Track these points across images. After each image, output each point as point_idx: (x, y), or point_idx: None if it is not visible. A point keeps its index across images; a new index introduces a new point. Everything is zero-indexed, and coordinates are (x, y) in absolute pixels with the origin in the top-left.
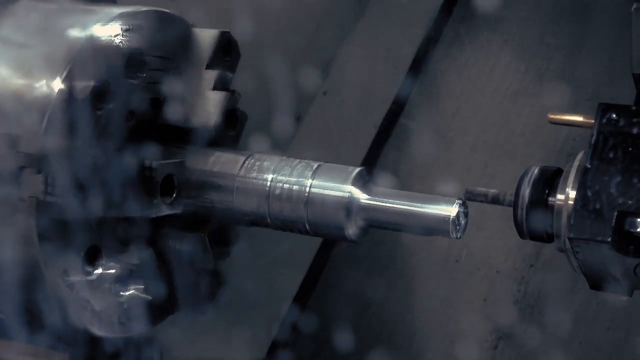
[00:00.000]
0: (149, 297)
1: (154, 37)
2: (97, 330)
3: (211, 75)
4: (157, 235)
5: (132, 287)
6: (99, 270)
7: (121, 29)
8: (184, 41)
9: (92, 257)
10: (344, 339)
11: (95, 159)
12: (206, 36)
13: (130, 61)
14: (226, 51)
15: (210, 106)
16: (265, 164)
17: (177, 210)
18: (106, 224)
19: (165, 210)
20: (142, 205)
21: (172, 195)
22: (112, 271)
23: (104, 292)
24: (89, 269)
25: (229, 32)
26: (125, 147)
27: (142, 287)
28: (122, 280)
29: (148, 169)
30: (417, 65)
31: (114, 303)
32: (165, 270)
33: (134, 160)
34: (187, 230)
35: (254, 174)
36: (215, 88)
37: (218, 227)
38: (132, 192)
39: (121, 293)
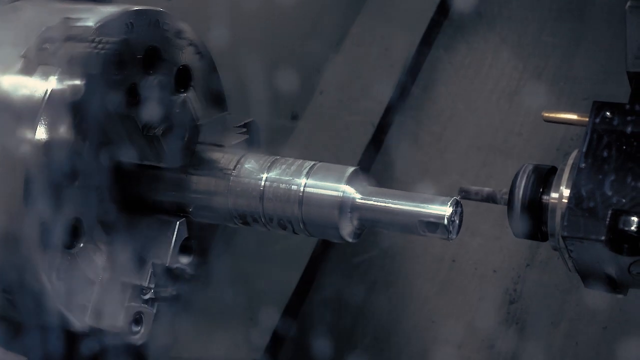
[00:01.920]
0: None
1: (149, 35)
2: (73, 319)
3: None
4: (137, 223)
5: (113, 274)
6: (79, 251)
7: (116, 28)
8: (180, 41)
9: (72, 242)
10: (341, 340)
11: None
12: (234, 121)
13: (122, 59)
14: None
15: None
16: (259, 163)
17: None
18: (88, 203)
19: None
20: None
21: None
22: (93, 256)
23: (83, 277)
24: (69, 251)
25: (255, 123)
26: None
27: (125, 275)
28: (101, 268)
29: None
30: (414, 64)
31: (93, 291)
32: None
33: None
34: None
35: (248, 173)
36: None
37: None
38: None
39: (101, 281)
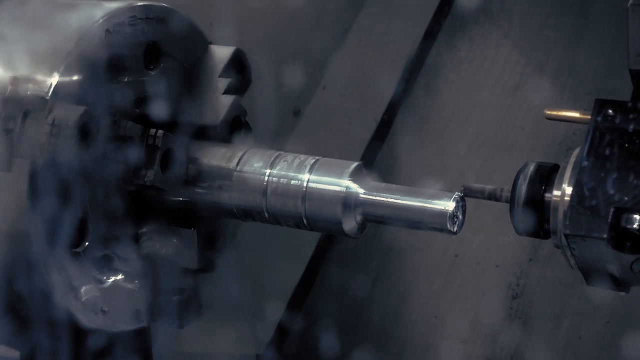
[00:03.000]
0: (133, 290)
1: (151, 30)
2: (82, 318)
3: (223, 83)
4: (145, 231)
5: (116, 278)
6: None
7: (119, 24)
8: (183, 37)
9: (79, 239)
10: (345, 334)
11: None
12: (221, 52)
13: (126, 56)
14: (238, 67)
15: (218, 107)
16: (263, 158)
17: (167, 189)
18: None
19: (159, 181)
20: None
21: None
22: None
23: (90, 278)
24: (77, 249)
25: (241, 50)
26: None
27: (126, 279)
28: (108, 269)
29: (152, 137)
30: (417, 59)
31: (98, 291)
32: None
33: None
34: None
35: (251, 169)
36: (226, 93)
37: (206, 232)
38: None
39: (106, 281)
